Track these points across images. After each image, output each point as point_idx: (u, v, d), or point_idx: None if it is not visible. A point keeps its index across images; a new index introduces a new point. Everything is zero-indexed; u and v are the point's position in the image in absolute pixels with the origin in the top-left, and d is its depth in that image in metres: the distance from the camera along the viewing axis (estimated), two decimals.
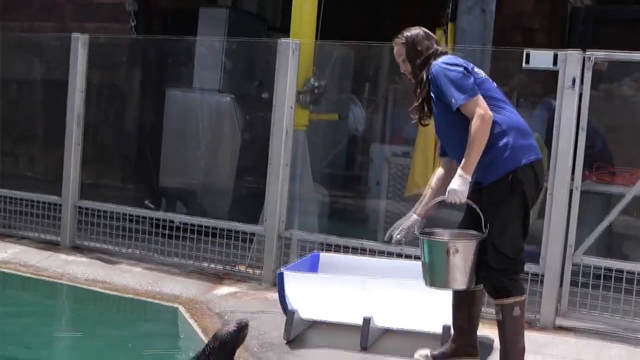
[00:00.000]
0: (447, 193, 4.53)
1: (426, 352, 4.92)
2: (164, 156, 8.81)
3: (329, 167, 8.44)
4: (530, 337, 5.24)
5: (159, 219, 7.40)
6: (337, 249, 6.53)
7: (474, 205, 4.52)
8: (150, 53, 8.93)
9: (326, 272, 5.82)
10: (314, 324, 5.54)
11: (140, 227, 7.40)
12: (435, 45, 4.81)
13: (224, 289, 6.63)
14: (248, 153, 8.33)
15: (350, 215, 8.29)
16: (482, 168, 4.54)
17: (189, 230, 7.22)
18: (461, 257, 4.48)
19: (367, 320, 5.16)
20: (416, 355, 4.94)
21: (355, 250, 6.45)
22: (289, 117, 6.72)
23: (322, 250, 6.58)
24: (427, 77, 4.70)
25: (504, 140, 4.51)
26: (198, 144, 8.70)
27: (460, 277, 4.52)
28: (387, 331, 5.40)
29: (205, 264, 7.06)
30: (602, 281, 5.70)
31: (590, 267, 5.79)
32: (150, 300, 6.41)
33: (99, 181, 8.78)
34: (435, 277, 4.59)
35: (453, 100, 4.50)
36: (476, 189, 4.65)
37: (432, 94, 4.69)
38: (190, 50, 8.63)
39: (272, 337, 5.38)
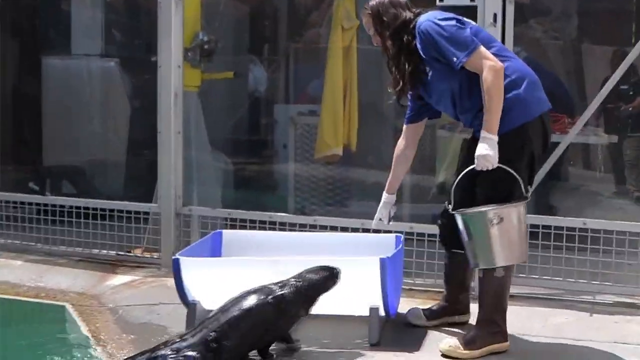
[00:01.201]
0: (475, 160, 4.04)
1: (453, 341, 4.25)
2: (46, 132, 7.93)
3: (229, 133, 7.62)
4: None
5: (41, 204, 6.52)
6: (244, 224, 5.80)
7: (511, 171, 4.01)
8: (20, 17, 7.94)
9: (230, 253, 5.08)
10: None
11: (19, 215, 6.52)
12: (404, 13, 4.25)
13: (118, 279, 5.83)
14: (139, 122, 7.49)
15: (256, 184, 7.52)
16: None
17: (74, 214, 6.35)
18: (507, 226, 3.95)
19: None
20: (442, 345, 4.26)
21: (264, 224, 5.72)
22: (177, 78, 5.89)
23: (227, 226, 5.84)
24: (408, 45, 4.19)
25: (514, 91, 4.09)
26: (83, 116, 7.84)
27: (510, 249, 4.01)
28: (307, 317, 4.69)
29: (96, 251, 6.23)
30: (539, 241, 5.10)
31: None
32: (31, 300, 5.55)
33: None
34: (479, 255, 4.05)
35: (455, 59, 4.05)
36: (472, 144, 4.18)
37: (424, 58, 4.17)
38: (65, 11, 7.73)
39: (174, 334, 4.61)
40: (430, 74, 4.22)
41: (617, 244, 5.03)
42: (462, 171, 4.19)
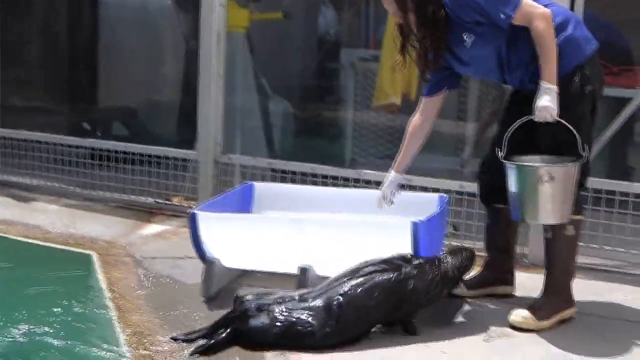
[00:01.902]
0: (536, 111, 3.68)
1: (525, 312, 3.85)
2: (102, 71, 7.68)
3: (282, 78, 7.18)
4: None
5: (85, 147, 6.25)
6: (285, 175, 5.41)
7: (568, 125, 3.65)
8: None
9: (261, 206, 4.72)
10: (246, 274, 4.46)
11: (59, 158, 6.27)
12: None
13: (152, 228, 5.55)
14: (193, 63, 7.12)
15: (309, 133, 7.10)
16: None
17: (114, 158, 6.06)
18: (557, 185, 3.62)
19: (304, 271, 4.05)
20: (514, 317, 3.85)
21: (305, 176, 5.32)
22: (220, 18, 5.51)
23: (268, 177, 5.47)
24: (434, 15, 3.76)
25: (563, 34, 3.74)
26: (138, 56, 7.54)
27: (554, 209, 3.68)
28: None
29: (134, 197, 5.95)
30: (602, 207, 4.57)
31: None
32: (59, 246, 5.28)
33: (24, 104, 7.57)
34: (524, 208, 3.73)
35: (502, 16, 3.69)
36: (520, 98, 3.86)
37: (464, 25, 3.76)
38: None
39: (191, 292, 4.29)
40: (469, 41, 3.80)
41: None
42: (514, 121, 3.78)
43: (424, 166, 5.10)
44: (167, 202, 5.87)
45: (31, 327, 3.85)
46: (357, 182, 5.16)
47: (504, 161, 3.73)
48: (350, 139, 6.71)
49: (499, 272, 4.21)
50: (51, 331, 3.80)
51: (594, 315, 4.02)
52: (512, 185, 3.71)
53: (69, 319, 3.99)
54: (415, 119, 4.11)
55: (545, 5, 3.76)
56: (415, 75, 6.29)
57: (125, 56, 7.51)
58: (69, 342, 3.68)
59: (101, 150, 6.10)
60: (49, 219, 5.76)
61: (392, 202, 4.19)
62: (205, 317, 3.96)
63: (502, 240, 4.16)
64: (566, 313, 3.90)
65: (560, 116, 3.65)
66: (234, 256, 4.23)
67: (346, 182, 5.19)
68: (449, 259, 3.85)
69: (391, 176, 4.18)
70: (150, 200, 5.88)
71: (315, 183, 5.24)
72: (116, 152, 6.02)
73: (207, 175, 5.61)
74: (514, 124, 3.75)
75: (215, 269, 4.19)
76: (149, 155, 5.90)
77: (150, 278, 4.62)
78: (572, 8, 4.53)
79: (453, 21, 3.77)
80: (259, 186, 4.82)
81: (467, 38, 3.80)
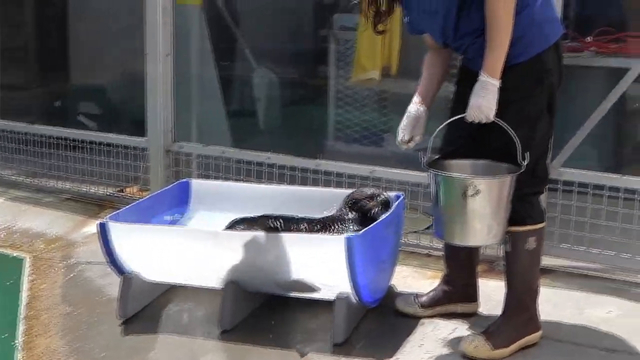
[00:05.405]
0: (468, 109, 3.09)
1: (478, 338, 3.27)
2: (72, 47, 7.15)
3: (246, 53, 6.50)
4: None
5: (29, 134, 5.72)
6: (240, 166, 4.84)
7: (507, 128, 3.03)
8: None
9: (199, 205, 4.20)
10: (173, 290, 3.92)
11: (7, 145, 5.77)
12: None
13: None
14: None
15: (282, 115, 6.48)
16: None
17: (70, 147, 5.53)
18: (484, 200, 2.98)
19: (230, 287, 3.51)
20: (465, 345, 3.27)
21: (261, 166, 4.75)
22: None
23: (229, 170, 4.89)
24: None
25: (527, 11, 3.08)
26: (107, 30, 6.98)
27: (482, 228, 3.06)
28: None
29: (85, 188, 5.42)
30: (589, 204, 3.95)
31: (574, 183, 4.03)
32: None
33: None
34: (449, 227, 3.11)
35: None
36: (471, 83, 3.13)
37: None
38: None
39: (114, 309, 3.76)
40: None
41: None
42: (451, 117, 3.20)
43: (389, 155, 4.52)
44: (120, 193, 5.34)
45: None
46: (316, 173, 4.58)
47: (427, 167, 3.13)
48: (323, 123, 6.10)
49: (459, 287, 3.60)
50: None
51: (564, 342, 3.37)
52: (435, 196, 3.11)
53: None
54: (428, 57, 3.44)
55: None
56: (396, 48, 5.72)
57: (93, 33, 6.94)
58: None
59: (51, 137, 5.55)
60: None
61: (412, 144, 3.41)
62: (114, 346, 3.45)
63: (462, 249, 3.51)
64: (529, 339, 3.30)
65: (510, 114, 3.04)
66: (154, 269, 3.70)
67: (304, 172, 4.60)
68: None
69: (412, 109, 3.39)
70: (101, 191, 5.35)
71: (271, 174, 4.67)
72: (66, 139, 5.49)
73: (158, 165, 5.06)
74: (444, 123, 3.15)
75: (134, 284, 3.67)
76: (101, 144, 5.36)
77: (77, 289, 4.13)
78: None
79: None
80: (196, 183, 4.28)
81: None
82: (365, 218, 3.62)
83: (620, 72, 4.23)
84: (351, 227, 3.61)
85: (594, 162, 4.76)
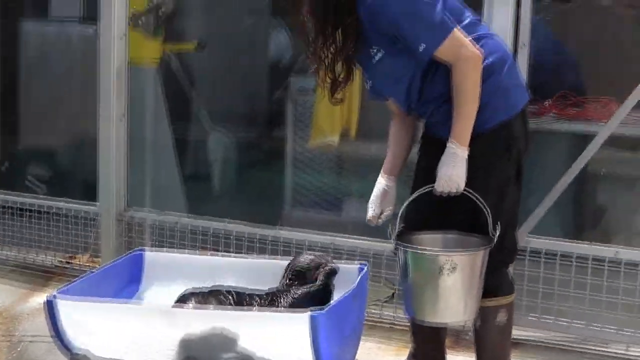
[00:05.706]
0: (438, 180, 3.00)
1: None
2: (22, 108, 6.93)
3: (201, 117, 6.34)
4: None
5: None
6: (195, 236, 4.67)
7: (478, 198, 2.94)
8: None
9: (152, 277, 4.00)
10: None
11: None
12: None
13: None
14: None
15: (239, 182, 6.31)
16: None
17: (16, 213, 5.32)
18: (460, 276, 2.88)
19: None
20: None
21: (217, 236, 4.59)
22: (120, 51, 4.79)
23: (184, 238, 4.71)
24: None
25: (494, 79, 3.04)
26: (59, 91, 6.78)
27: (457, 305, 2.96)
28: None
29: (32, 258, 5.20)
30: (557, 274, 3.85)
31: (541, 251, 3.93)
32: None
33: None
34: (420, 305, 2.99)
35: (421, 48, 2.99)
36: (436, 151, 3.04)
37: (369, 34, 3.06)
38: None
39: None
40: (377, 56, 3.09)
41: None
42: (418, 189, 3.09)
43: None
44: (70, 262, 5.13)
45: None
46: (275, 243, 4.43)
47: (398, 243, 3.00)
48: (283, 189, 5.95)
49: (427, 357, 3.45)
50: None
51: None
52: (404, 273, 2.99)
53: None
54: (393, 125, 3.37)
55: (481, 38, 3.08)
56: (356, 110, 5.62)
57: (44, 94, 6.75)
58: None
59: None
60: None
61: (382, 218, 3.36)
62: None
63: (429, 328, 3.33)
64: None
65: (478, 182, 2.93)
66: (104, 347, 3.49)
67: (263, 242, 4.45)
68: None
69: (382, 182, 3.34)
70: (48, 261, 5.14)
71: (228, 243, 4.51)
72: (12, 205, 5.28)
73: (110, 232, 4.88)
74: (412, 196, 3.04)
75: None
76: (50, 211, 5.16)
77: None
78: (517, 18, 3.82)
79: (365, 27, 3.06)
80: (150, 255, 4.09)
81: (374, 51, 3.11)
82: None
83: (583, 137, 4.18)
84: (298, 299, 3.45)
85: (559, 229, 4.67)
